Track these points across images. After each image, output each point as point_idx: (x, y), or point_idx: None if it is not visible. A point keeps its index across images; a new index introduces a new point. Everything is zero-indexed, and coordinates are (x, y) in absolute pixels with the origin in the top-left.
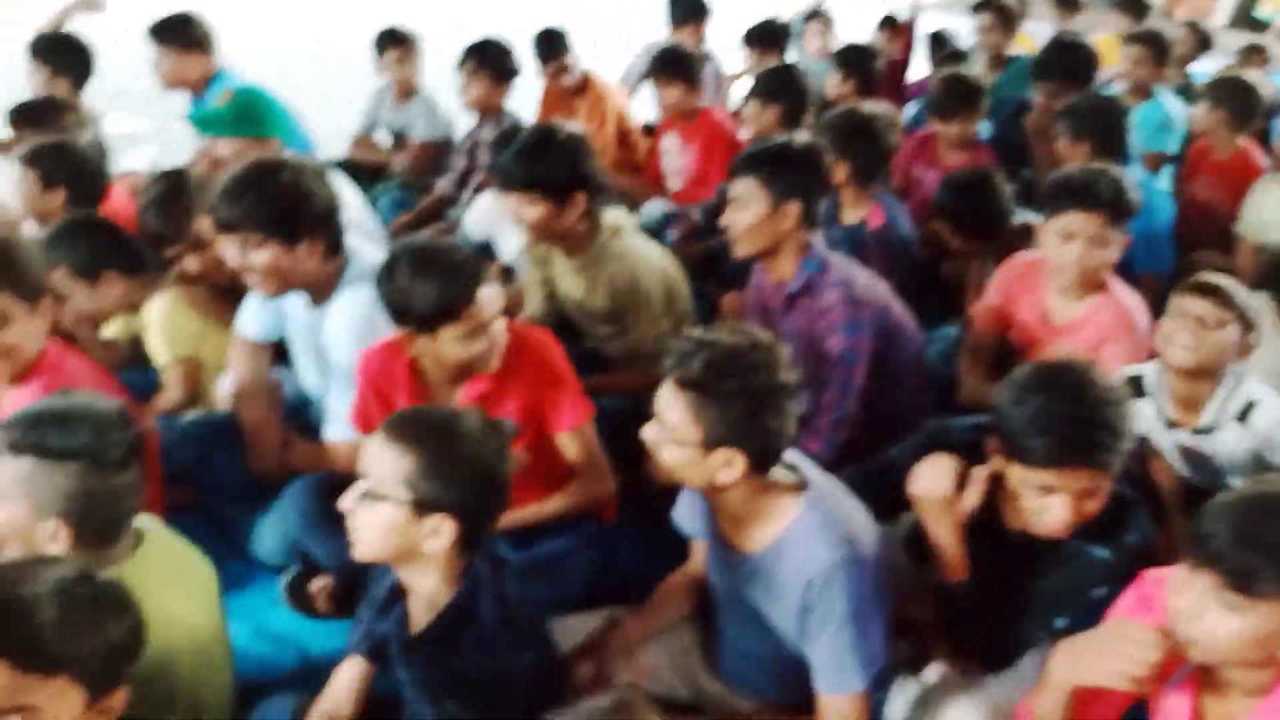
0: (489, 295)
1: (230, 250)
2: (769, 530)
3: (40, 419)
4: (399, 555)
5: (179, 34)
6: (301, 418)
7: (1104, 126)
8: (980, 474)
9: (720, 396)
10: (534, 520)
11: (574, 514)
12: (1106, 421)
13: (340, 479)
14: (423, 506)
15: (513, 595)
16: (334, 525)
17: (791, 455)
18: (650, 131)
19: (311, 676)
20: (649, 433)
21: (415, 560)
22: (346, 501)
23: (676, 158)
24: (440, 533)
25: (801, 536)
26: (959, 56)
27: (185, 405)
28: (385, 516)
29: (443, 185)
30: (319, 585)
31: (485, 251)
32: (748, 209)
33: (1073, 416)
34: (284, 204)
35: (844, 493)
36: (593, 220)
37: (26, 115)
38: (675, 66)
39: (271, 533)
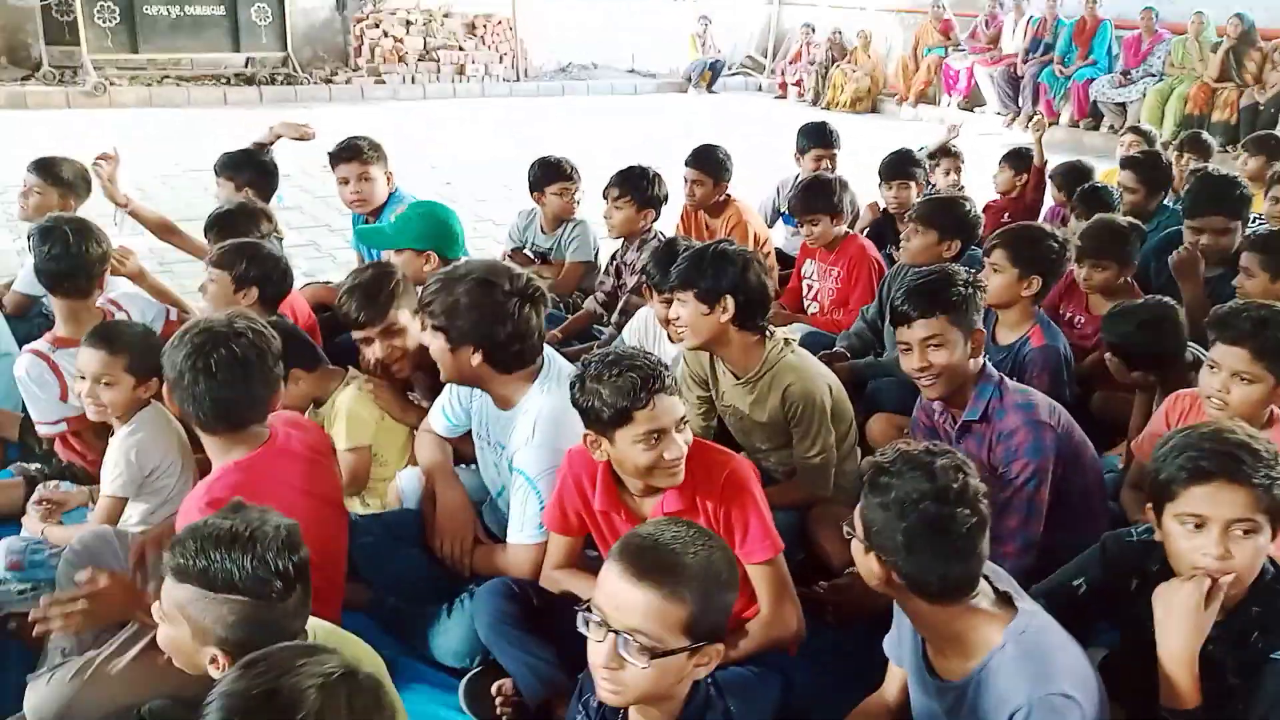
0: (668, 403)
1: (425, 337)
2: (972, 657)
3: (206, 543)
4: (659, 696)
5: (362, 153)
6: (479, 517)
7: None
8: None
9: (872, 500)
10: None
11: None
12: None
13: (529, 584)
14: (698, 643)
15: (737, 712)
16: (522, 632)
17: (1006, 583)
18: (785, 258)
19: None
20: (854, 545)
21: (668, 690)
22: (601, 658)
23: (818, 282)
24: (710, 660)
25: (1004, 668)
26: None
27: (353, 492)
28: (667, 665)
29: (590, 304)
30: (500, 689)
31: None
32: (944, 350)
33: None
34: (463, 310)
35: (1052, 626)
36: (759, 333)
37: (222, 223)
38: (820, 200)
39: (453, 634)
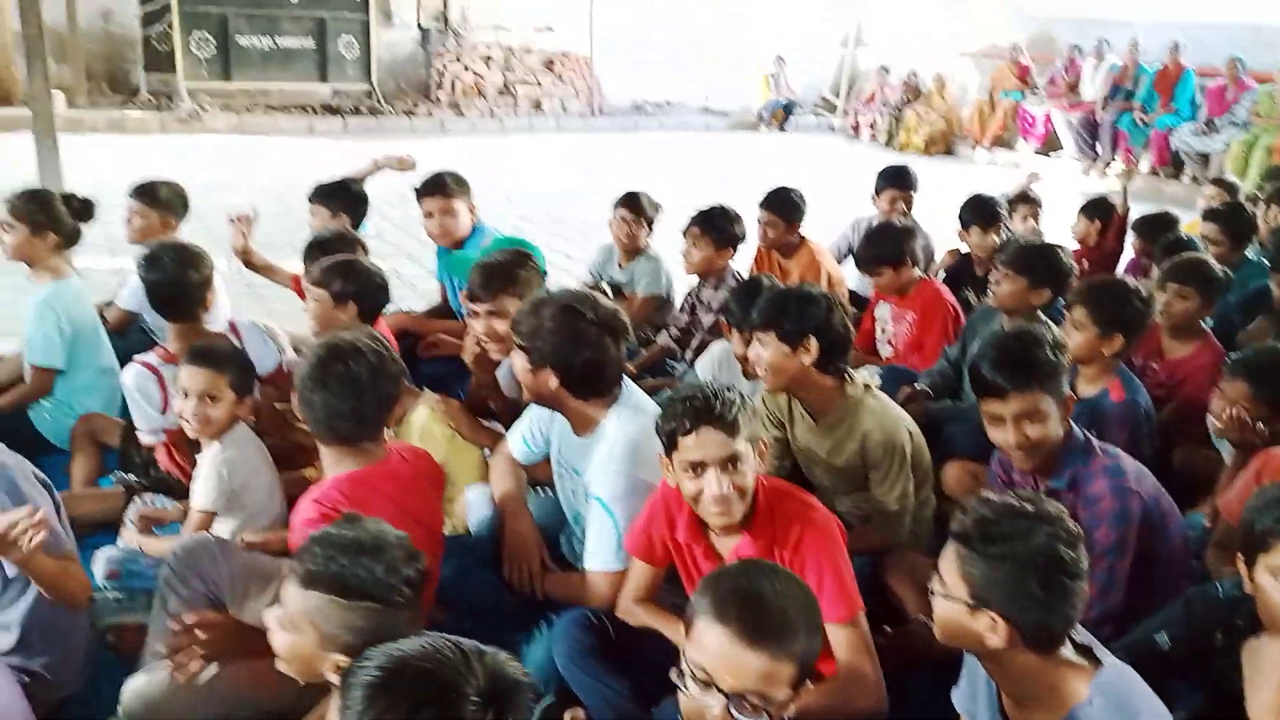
0: (714, 438)
1: (514, 356)
2: (1054, 710)
3: (336, 550)
4: None
5: (447, 187)
6: (554, 544)
7: None
8: None
9: (986, 555)
10: None
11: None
12: None
13: (607, 615)
14: (796, 691)
15: None
16: (599, 663)
17: (1085, 637)
18: (857, 299)
19: None
20: (934, 585)
21: None
22: (714, 717)
23: (890, 326)
24: (799, 698)
25: (1090, 719)
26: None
27: None
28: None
29: (663, 339)
30: (575, 718)
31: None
32: (1039, 424)
33: None
34: (545, 333)
35: (1137, 679)
36: (839, 375)
37: (321, 248)
38: (883, 250)
39: (530, 662)
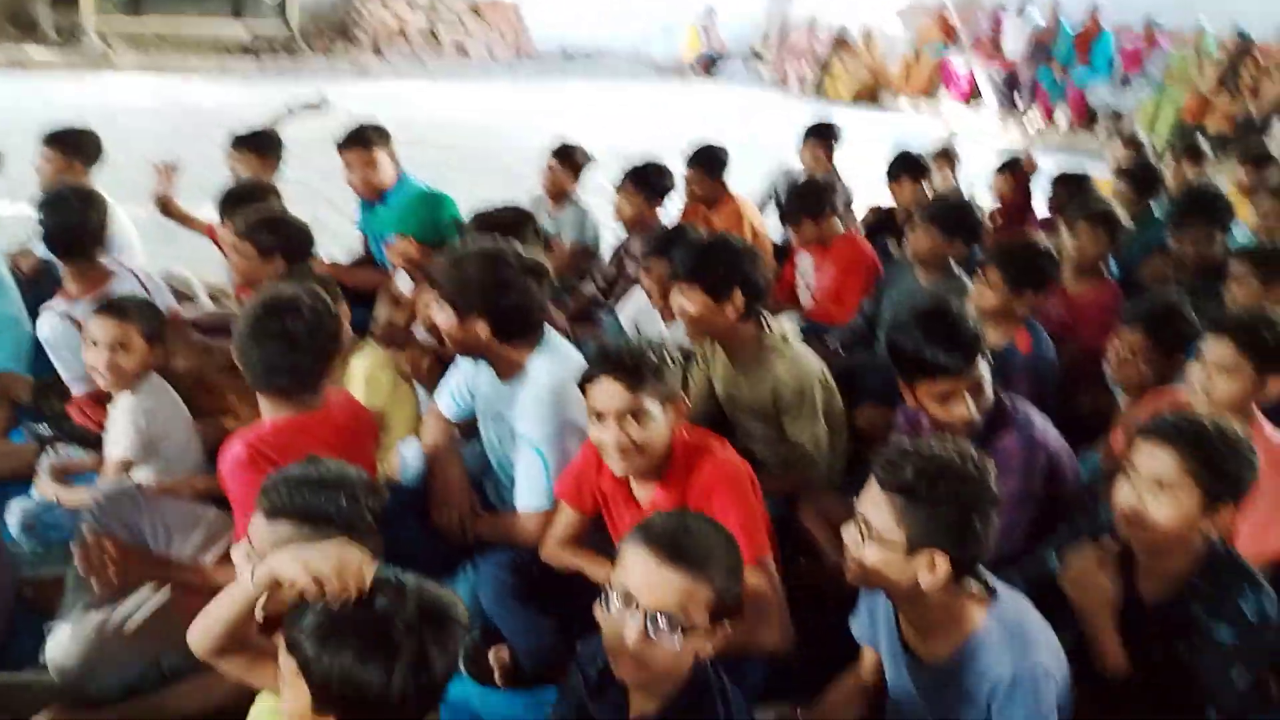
0: (610, 389)
1: (435, 312)
2: (954, 638)
3: (300, 484)
4: (663, 671)
5: (367, 139)
6: (481, 491)
7: None
8: (1110, 549)
9: (931, 501)
10: None
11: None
12: None
13: (530, 556)
14: (715, 623)
15: (733, 691)
16: (524, 603)
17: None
18: (779, 250)
19: None
20: (848, 535)
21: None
22: (631, 637)
23: (811, 277)
24: (718, 636)
25: (987, 645)
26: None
27: None
28: (684, 644)
29: (588, 288)
30: (498, 656)
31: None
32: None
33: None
34: (472, 283)
35: (1029, 606)
36: (757, 324)
37: (237, 199)
38: (803, 205)
39: None
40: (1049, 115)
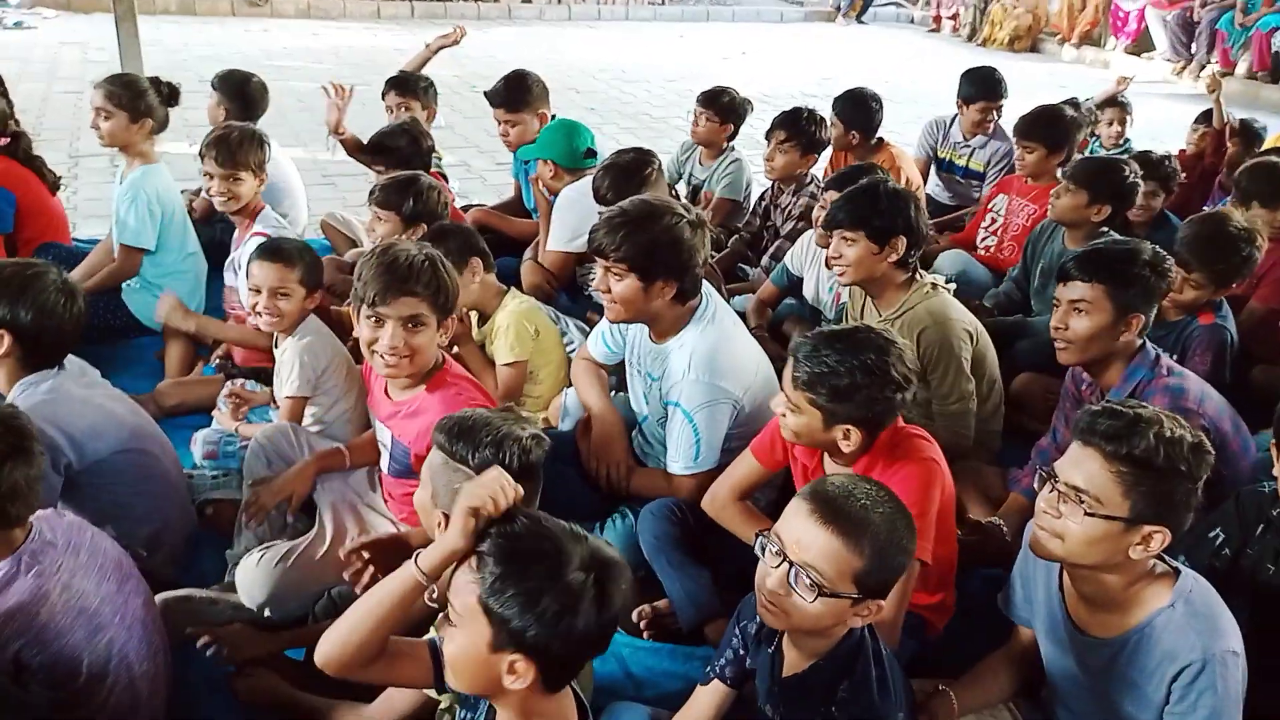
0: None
1: (597, 275)
2: (1134, 615)
3: (473, 429)
4: (818, 629)
5: (513, 100)
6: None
7: None
8: None
9: (1169, 475)
10: None
11: None
12: None
13: (690, 508)
14: (863, 595)
15: (887, 656)
16: (682, 554)
17: None
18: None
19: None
20: (1045, 504)
21: (824, 629)
22: (772, 583)
23: (1004, 217)
24: (870, 614)
25: (1173, 624)
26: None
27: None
28: (830, 606)
29: (735, 243)
30: (643, 613)
31: (797, 287)
32: (1089, 317)
33: None
34: (652, 246)
35: (1210, 588)
36: (910, 272)
37: (389, 141)
38: (1043, 129)
39: None
40: (1228, 64)
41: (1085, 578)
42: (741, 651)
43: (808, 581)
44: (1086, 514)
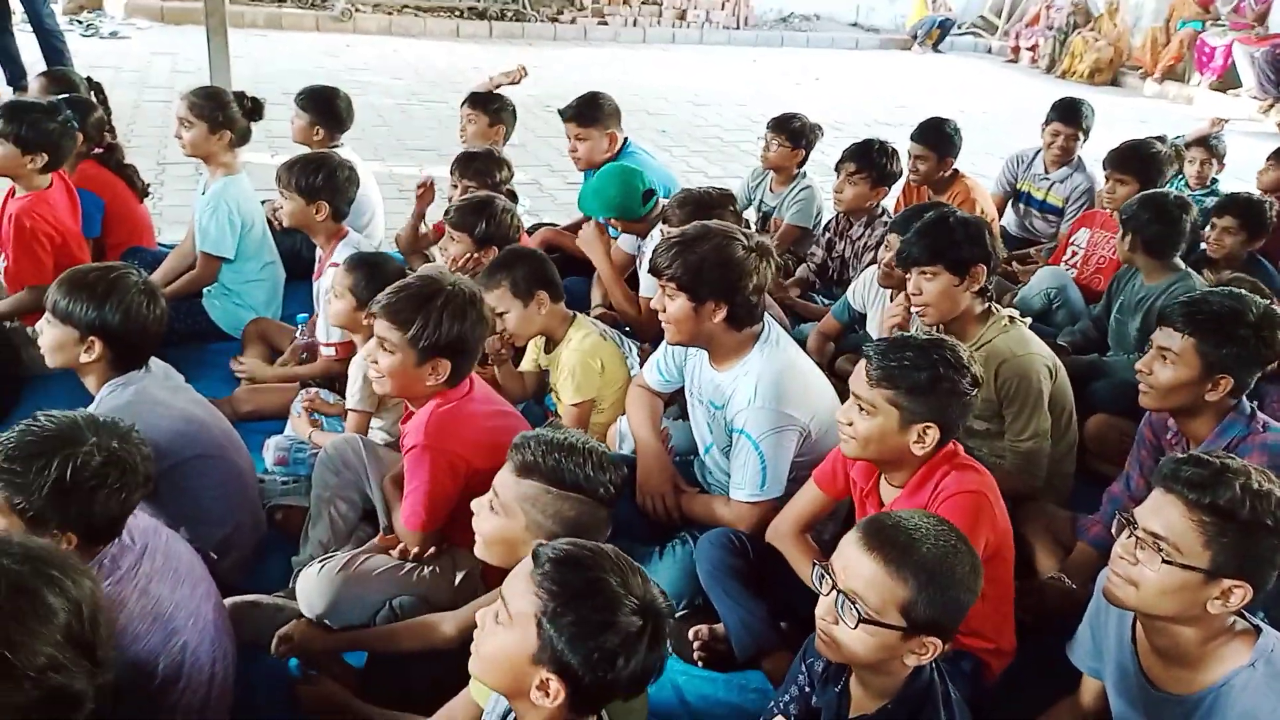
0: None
1: (655, 295)
2: (1211, 673)
3: (551, 446)
4: (873, 664)
5: (583, 115)
6: (686, 469)
7: None
8: None
9: (1254, 529)
10: None
11: None
12: None
13: (749, 539)
14: (913, 629)
15: (957, 701)
16: (740, 584)
17: None
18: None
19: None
20: (1123, 550)
21: (881, 664)
22: (821, 609)
23: (1086, 249)
24: (928, 652)
25: (1253, 684)
26: None
27: None
28: (876, 636)
29: (802, 271)
30: (698, 634)
31: (859, 321)
32: (1173, 369)
33: None
34: (700, 266)
35: None
36: (986, 304)
37: (472, 163)
38: (1138, 163)
39: (664, 576)
40: None
41: (1159, 630)
42: (807, 689)
43: (850, 608)
44: (1164, 562)
